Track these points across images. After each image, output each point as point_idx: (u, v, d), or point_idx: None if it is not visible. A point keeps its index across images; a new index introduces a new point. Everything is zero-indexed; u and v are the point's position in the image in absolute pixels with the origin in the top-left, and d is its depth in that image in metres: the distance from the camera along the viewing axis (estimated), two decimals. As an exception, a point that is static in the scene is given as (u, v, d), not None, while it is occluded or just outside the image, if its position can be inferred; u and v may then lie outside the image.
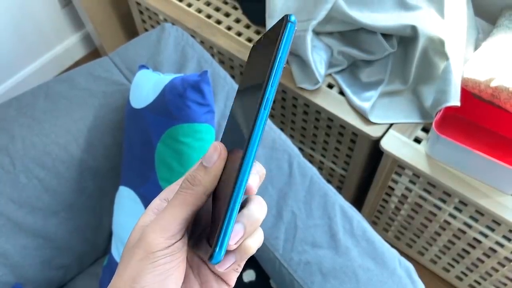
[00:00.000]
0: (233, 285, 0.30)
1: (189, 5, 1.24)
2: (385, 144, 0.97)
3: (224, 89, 0.91)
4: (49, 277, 0.89)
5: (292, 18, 0.26)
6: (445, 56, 0.96)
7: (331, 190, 0.83)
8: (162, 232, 0.27)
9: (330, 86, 1.06)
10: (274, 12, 1.07)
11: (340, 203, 0.81)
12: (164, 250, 0.27)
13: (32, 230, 0.84)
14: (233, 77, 1.23)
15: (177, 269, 0.28)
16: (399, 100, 1.03)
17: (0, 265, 0.81)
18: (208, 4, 1.24)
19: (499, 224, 0.93)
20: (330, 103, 1.03)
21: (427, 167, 0.94)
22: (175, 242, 0.28)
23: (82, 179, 0.88)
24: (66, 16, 1.65)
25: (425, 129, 0.99)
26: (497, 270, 1.05)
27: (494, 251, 1.01)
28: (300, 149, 1.26)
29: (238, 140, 0.28)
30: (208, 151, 0.28)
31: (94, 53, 1.80)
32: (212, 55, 1.21)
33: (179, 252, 0.28)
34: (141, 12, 1.38)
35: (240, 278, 0.87)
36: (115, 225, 0.85)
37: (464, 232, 1.03)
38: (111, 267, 0.85)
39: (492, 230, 0.96)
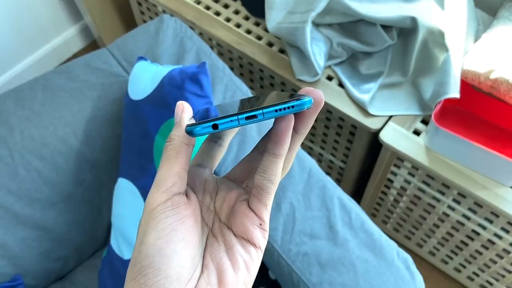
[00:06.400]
0: (260, 245, 0.30)
1: (188, -4, 1.23)
2: (384, 136, 0.97)
3: (222, 81, 0.91)
4: (48, 268, 0.89)
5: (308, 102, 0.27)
6: (444, 48, 0.95)
7: (330, 182, 0.83)
8: (158, 187, 0.29)
9: (329, 78, 1.06)
10: (273, 4, 1.06)
11: (339, 195, 0.81)
12: (163, 204, 0.28)
13: (31, 222, 0.84)
14: (232, 69, 1.22)
15: (182, 224, 0.28)
16: (399, 92, 1.03)
17: (-1, 256, 0.81)
18: (207, -5, 1.23)
19: (497, 216, 0.93)
20: (329, 95, 1.03)
21: (426, 159, 0.94)
22: (174, 196, 0.29)
23: (80, 171, 0.88)
24: (64, 8, 1.64)
25: (425, 121, 0.99)
26: (495, 262, 1.06)
27: (493, 243, 1.01)
28: (299, 141, 1.26)
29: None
30: (175, 110, 0.31)
31: (92, 45, 1.79)
32: (211, 47, 1.21)
33: (181, 207, 0.29)
34: (139, 4, 1.37)
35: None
36: (114, 217, 0.85)
37: (462, 224, 1.03)
38: (110, 259, 0.85)
39: (491, 222, 0.96)
